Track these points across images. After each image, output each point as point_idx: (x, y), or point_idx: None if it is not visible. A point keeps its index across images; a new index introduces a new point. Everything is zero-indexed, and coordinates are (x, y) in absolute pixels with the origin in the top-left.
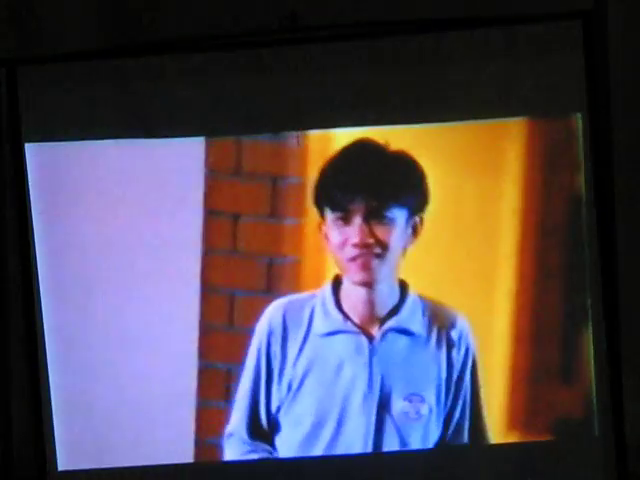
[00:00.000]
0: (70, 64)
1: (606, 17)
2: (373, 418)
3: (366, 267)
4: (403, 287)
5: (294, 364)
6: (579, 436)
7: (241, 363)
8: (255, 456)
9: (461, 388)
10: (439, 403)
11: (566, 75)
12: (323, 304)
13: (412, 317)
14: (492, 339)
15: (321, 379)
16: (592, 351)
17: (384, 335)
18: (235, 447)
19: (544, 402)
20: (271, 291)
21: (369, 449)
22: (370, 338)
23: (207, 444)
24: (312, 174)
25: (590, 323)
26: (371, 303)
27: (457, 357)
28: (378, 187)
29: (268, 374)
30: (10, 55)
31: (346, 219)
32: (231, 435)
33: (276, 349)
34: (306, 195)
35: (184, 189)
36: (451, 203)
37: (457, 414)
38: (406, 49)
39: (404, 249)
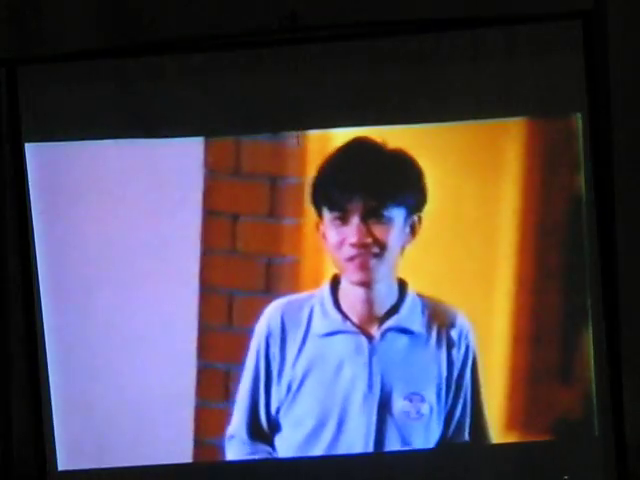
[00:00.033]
0: (70, 64)
1: (606, 17)
2: (374, 418)
3: (364, 267)
4: (402, 286)
5: (293, 365)
6: (579, 436)
7: (240, 363)
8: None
9: (462, 386)
10: (440, 402)
11: (566, 75)
12: (322, 304)
13: (411, 316)
14: (492, 339)
15: (321, 380)
16: (592, 351)
17: (383, 335)
18: (236, 449)
19: (544, 402)
20: (270, 291)
21: (370, 449)
22: (369, 338)
23: (206, 444)
24: (311, 174)
25: (590, 323)
26: (370, 303)
27: (457, 355)
28: (376, 186)
29: (267, 376)
30: (10, 55)
31: (344, 219)
32: (232, 437)
33: (275, 350)
34: (305, 195)
35: (183, 189)
36: (451, 203)
37: (458, 412)
38: (406, 49)
39: (402, 248)
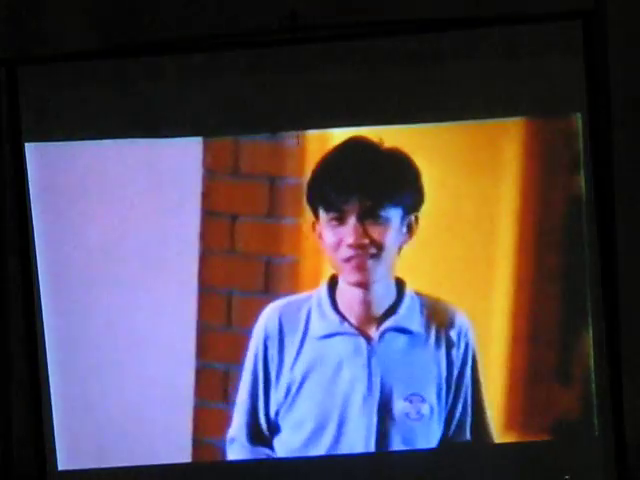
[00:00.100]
0: (70, 64)
1: (606, 17)
2: (374, 420)
3: (361, 268)
4: (400, 285)
5: (292, 368)
6: (579, 436)
7: (239, 363)
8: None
9: (462, 385)
10: (440, 402)
11: (566, 75)
12: (319, 305)
13: (410, 315)
14: (491, 339)
15: (320, 382)
16: (592, 351)
17: (382, 335)
18: (237, 452)
19: (543, 402)
20: (269, 291)
21: (371, 451)
22: (368, 339)
23: (205, 444)
24: (310, 174)
25: (590, 323)
26: (367, 303)
27: (457, 354)
28: (372, 186)
29: (266, 379)
30: (10, 55)
31: (340, 219)
32: (233, 440)
33: (273, 353)
34: (304, 195)
35: (182, 189)
36: (450, 203)
37: (458, 412)
38: (406, 49)
39: (399, 248)
